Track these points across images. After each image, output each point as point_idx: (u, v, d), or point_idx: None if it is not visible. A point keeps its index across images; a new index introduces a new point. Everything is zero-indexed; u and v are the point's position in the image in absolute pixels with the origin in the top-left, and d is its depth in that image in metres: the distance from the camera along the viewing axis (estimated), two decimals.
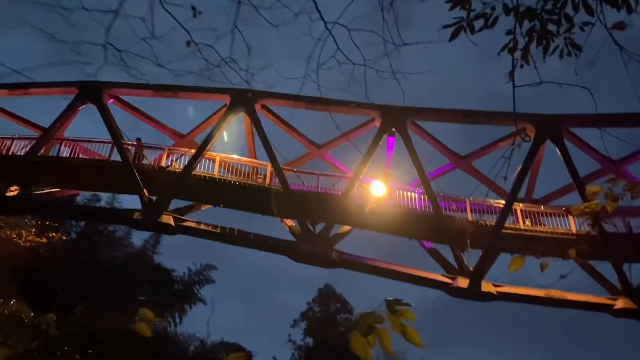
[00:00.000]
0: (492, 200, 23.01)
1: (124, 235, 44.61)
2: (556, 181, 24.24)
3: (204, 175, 22.49)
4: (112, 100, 23.82)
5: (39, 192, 24.52)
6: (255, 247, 22.40)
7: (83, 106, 23.58)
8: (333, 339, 43.07)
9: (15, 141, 23.28)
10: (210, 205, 24.04)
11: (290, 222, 23.33)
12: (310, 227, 22.41)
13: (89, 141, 23.48)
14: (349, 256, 22.15)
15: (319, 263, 21.96)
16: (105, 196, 38.96)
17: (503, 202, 22.13)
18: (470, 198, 23.06)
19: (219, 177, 22.59)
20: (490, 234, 21.46)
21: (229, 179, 22.71)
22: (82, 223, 41.96)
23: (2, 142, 23.35)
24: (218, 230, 21.79)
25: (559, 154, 21.34)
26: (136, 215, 21.55)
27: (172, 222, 21.41)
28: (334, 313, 45.43)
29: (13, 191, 23.47)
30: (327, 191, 22.95)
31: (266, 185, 22.70)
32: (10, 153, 22.96)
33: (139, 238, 46.20)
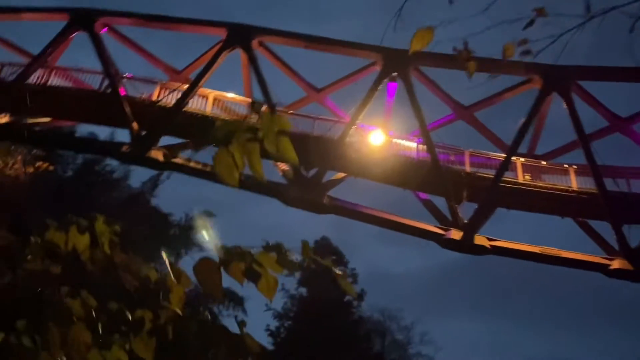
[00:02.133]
0: (492, 153, 22.27)
1: (121, 176, 44.31)
2: (562, 137, 23.45)
3: (196, 113, 21.80)
4: (105, 29, 22.96)
5: (30, 121, 23.92)
6: (245, 189, 21.83)
7: (75, 34, 22.76)
8: (326, 290, 43.01)
9: (4, 67, 22.58)
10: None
11: (283, 166, 22.71)
12: (304, 172, 21.82)
13: (80, 70, 22.78)
14: (341, 202, 21.62)
15: (309, 208, 21.46)
16: (103, 136, 38.52)
17: (504, 155, 21.41)
18: (470, 150, 22.36)
19: (211, 115, 21.88)
20: (487, 187, 20.84)
21: (222, 117, 22.01)
22: (79, 161, 41.65)
23: None
24: (207, 169, 21.23)
25: (565, 107, 20.45)
26: (124, 148, 21.03)
27: (160, 158, 20.90)
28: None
29: (3, 118, 22.94)
30: (323, 136, 22.21)
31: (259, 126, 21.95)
32: None
33: (137, 180, 45.92)
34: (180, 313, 2.48)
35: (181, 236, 46.30)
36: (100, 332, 2.43)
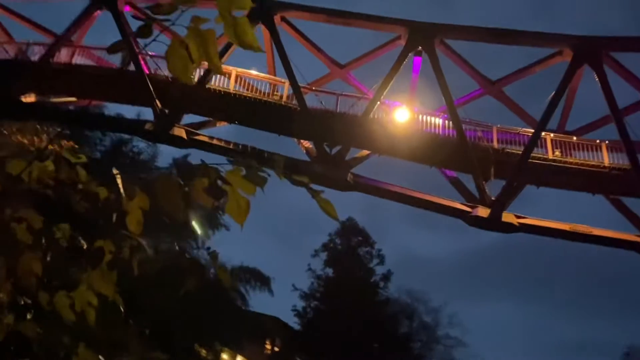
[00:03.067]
0: (520, 129, 21.66)
1: (149, 158, 44.54)
2: (594, 113, 22.67)
3: (218, 90, 21.64)
4: (128, 7, 22.88)
5: (55, 100, 24.09)
6: (267, 165, 21.68)
7: (98, 12, 22.71)
8: (353, 271, 42.95)
9: (29, 46, 22.72)
10: (225, 122, 23.34)
11: (307, 144, 22.50)
12: (327, 150, 21.55)
13: (102, 48, 22.77)
14: (366, 179, 21.31)
15: (332, 185, 21.10)
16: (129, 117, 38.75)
17: (533, 131, 20.79)
18: (498, 125, 21.79)
19: (234, 92, 21.71)
20: (516, 163, 20.29)
21: (245, 94, 21.82)
22: (107, 143, 42.03)
23: (17, 47, 22.85)
24: (231, 146, 21.14)
25: (597, 80, 19.70)
26: (148, 126, 21.02)
27: (184, 135, 20.82)
28: (355, 246, 45.12)
29: (29, 97, 23.15)
30: (346, 112, 21.85)
31: (283, 103, 21.76)
32: (24, 58, 22.48)
33: (164, 162, 46.18)
34: (142, 241, 2.26)
35: (208, 217, 46.56)
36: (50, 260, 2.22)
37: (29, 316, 2.42)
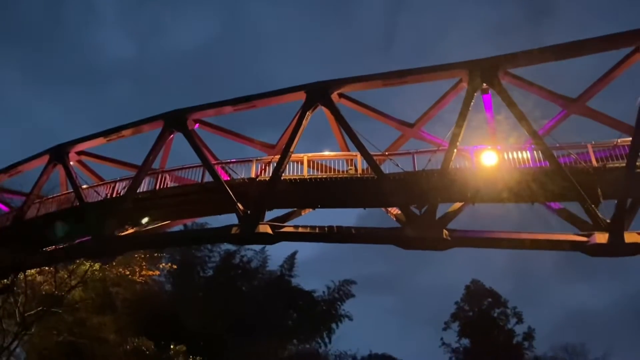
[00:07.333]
0: (617, 140, 19.72)
1: (259, 264, 45.25)
2: None
3: (293, 179, 21.61)
4: (197, 125, 23.88)
5: (150, 227, 25.08)
6: (358, 241, 21.03)
7: (172, 136, 23.82)
8: (490, 336, 39.98)
9: (117, 183, 24.09)
10: (309, 209, 23.11)
11: (394, 211, 21.70)
12: (416, 211, 20.59)
13: (181, 169, 23.67)
14: (463, 233, 19.97)
15: (430, 246, 20.07)
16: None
17: (631, 138, 18.82)
18: (592, 142, 20.02)
19: (308, 177, 21.58)
20: (623, 177, 18.30)
21: (319, 176, 21.62)
22: (216, 258, 43.23)
23: (108, 187, 24.31)
24: (317, 231, 20.69)
25: None
26: (234, 230, 21.11)
27: (269, 231, 20.70)
28: (486, 309, 42.17)
29: (128, 230, 24.30)
30: (425, 169, 20.93)
31: (359, 176, 21.30)
32: (114, 195, 23.78)
33: (274, 264, 46.59)
34: None
35: (328, 310, 45.91)
36: None
37: None
